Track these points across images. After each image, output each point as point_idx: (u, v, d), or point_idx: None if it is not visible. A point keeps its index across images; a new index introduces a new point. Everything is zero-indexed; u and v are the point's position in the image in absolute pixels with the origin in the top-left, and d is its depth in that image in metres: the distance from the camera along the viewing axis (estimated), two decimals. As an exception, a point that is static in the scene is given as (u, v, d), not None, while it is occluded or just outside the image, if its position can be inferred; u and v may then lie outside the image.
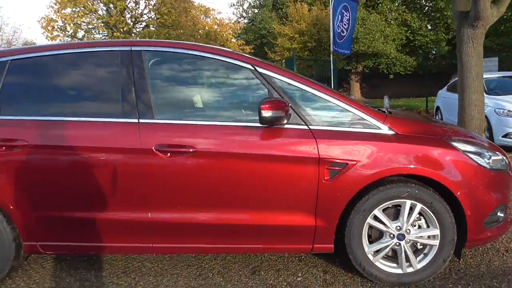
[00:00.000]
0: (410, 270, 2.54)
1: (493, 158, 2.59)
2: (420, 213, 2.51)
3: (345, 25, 13.16)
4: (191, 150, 2.45)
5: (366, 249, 2.54)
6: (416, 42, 27.08)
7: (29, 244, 2.67)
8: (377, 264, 2.55)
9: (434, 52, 27.74)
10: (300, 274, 2.76)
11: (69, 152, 2.53)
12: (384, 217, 2.50)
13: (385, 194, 2.46)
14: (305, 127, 2.48)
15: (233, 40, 26.40)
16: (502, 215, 2.67)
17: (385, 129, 2.52)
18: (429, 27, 27.62)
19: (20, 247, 2.69)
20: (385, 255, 2.57)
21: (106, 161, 2.53)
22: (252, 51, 27.49)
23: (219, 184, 2.50)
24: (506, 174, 2.66)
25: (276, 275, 2.76)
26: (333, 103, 2.56)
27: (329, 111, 2.57)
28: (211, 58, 2.64)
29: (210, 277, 2.77)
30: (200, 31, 21.60)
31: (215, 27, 25.39)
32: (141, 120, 2.52)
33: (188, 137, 2.49)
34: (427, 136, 2.58)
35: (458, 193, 2.44)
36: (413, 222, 2.51)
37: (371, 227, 2.53)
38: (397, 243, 2.52)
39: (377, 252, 2.56)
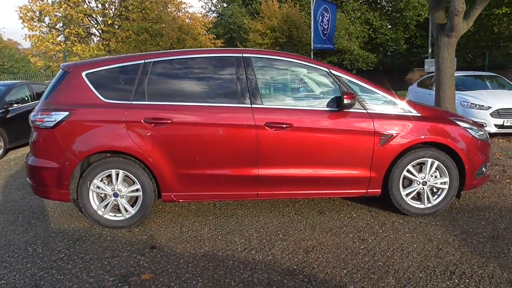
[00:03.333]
0: (429, 205, 3.87)
1: (479, 132, 3.97)
2: (436, 168, 3.83)
3: (325, 24, 14.53)
4: (289, 126, 3.62)
5: (401, 192, 3.83)
6: (377, 40, 29.03)
7: (166, 194, 3.74)
8: (408, 202, 3.86)
9: (393, 50, 29.83)
10: (353, 212, 4.03)
11: (201, 127, 3.63)
12: (414, 170, 3.81)
13: (415, 155, 3.76)
14: (364, 111, 3.73)
15: (205, 33, 27.08)
16: (484, 170, 4.07)
17: (414, 112, 3.81)
18: (389, 26, 29.68)
19: (158, 197, 3.76)
20: (413, 196, 3.88)
21: (228, 133, 3.64)
22: (223, 45, 28.40)
23: (309, 149, 3.68)
24: (487, 143, 4.06)
25: (337, 214, 4.01)
26: (381, 95, 3.82)
27: (378, 100, 3.83)
28: (299, 63, 3.82)
29: (287, 215, 3.96)
30: (175, 25, 22.21)
31: (187, 21, 26.02)
32: (253, 105, 3.66)
33: (287, 117, 3.65)
34: (440, 117, 3.91)
35: (461, 154, 3.78)
36: (432, 173, 3.83)
37: (405, 177, 3.82)
38: (422, 188, 3.84)
39: (407, 194, 3.86)
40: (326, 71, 3.80)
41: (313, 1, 14.52)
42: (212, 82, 3.79)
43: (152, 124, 3.59)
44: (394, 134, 3.71)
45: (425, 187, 3.84)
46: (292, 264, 2.97)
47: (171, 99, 3.68)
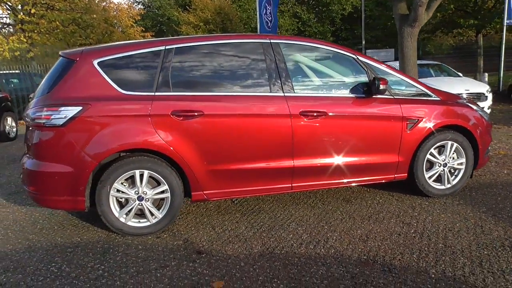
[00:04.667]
0: (448, 186, 4.02)
1: (486, 114, 4.21)
2: (454, 149, 3.98)
3: (268, 17, 14.54)
4: (323, 114, 3.51)
5: (425, 175, 3.93)
6: (306, 33, 29.96)
7: (197, 193, 3.43)
8: (431, 184, 3.97)
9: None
10: (378, 198, 4.05)
11: (234, 118, 3.37)
12: (436, 153, 3.92)
13: (438, 138, 3.87)
14: (391, 96, 3.74)
15: (133, 26, 25.77)
16: (489, 149, 4.33)
17: (434, 96, 3.92)
18: (316, 20, 30.70)
19: (188, 196, 3.44)
20: (434, 178, 4.00)
21: (262, 124, 3.43)
22: (154, 38, 27.26)
23: (342, 137, 3.61)
24: (491, 124, 4.32)
25: (363, 201, 4.00)
26: (403, 80, 3.87)
27: (401, 85, 3.87)
28: (327, 49, 3.72)
29: (316, 206, 3.87)
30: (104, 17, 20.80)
31: (114, 12, 24.53)
32: (286, 94, 3.48)
33: (320, 105, 3.54)
34: (454, 100, 4.07)
35: (476, 135, 3.97)
36: (450, 155, 3.98)
37: (428, 160, 3.92)
38: (442, 169, 3.97)
39: (430, 177, 3.97)
40: (353, 57, 3.75)
41: (257, -7, 14.50)
42: (240, 69, 3.53)
43: (182, 117, 3.25)
44: (420, 119, 3.77)
45: (445, 168, 3.98)
46: (360, 254, 2.88)
47: (199, 89, 3.37)
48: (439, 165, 3.96)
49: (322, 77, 3.83)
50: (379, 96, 3.68)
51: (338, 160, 3.64)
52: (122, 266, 2.85)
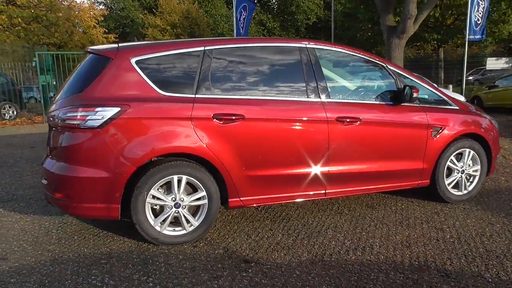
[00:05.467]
0: (465, 192, 4.16)
1: (496, 122, 4.42)
2: (471, 157, 4.14)
3: (241, 23, 14.57)
4: (358, 120, 3.52)
5: (445, 181, 4.04)
6: (272, 41, 30.18)
7: (234, 200, 3.31)
8: (450, 190, 4.09)
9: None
10: (400, 204, 4.12)
11: (274, 123, 3.31)
12: (455, 160, 4.05)
13: (457, 146, 4.01)
14: (418, 104, 3.83)
15: (95, 26, 24.89)
16: (498, 156, 4.55)
17: (454, 106, 4.06)
18: (281, 28, 31.14)
19: (224, 203, 3.31)
20: (453, 184, 4.13)
21: (300, 129, 3.38)
22: (116, 40, 26.44)
23: (374, 143, 3.64)
24: (499, 132, 4.54)
25: (387, 207, 4.05)
26: (428, 89, 3.98)
27: (427, 94, 3.97)
28: (359, 56, 3.74)
29: (344, 212, 3.87)
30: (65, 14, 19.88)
31: (76, 12, 23.56)
32: (322, 99, 3.47)
33: (355, 111, 3.55)
34: (469, 109, 4.24)
35: (490, 143, 4.15)
36: (468, 162, 4.13)
37: (447, 167, 4.04)
38: (460, 176, 4.11)
39: (449, 183, 4.09)
40: (383, 65, 3.80)
41: (234, -2, 14.47)
42: (278, 73, 3.48)
43: (222, 121, 3.14)
44: (443, 127, 3.89)
45: (463, 175, 4.12)
46: (410, 260, 2.90)
47: (239, 93, 3.27)
48: (457, 171, 4.10)
49: (354, 84, 3.86)
50: (406, 104, 3.76)
51: (369, 166, 3.67)
52: (172, 277, 2.68)
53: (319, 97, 3.46)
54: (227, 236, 3.37)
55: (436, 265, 2.81)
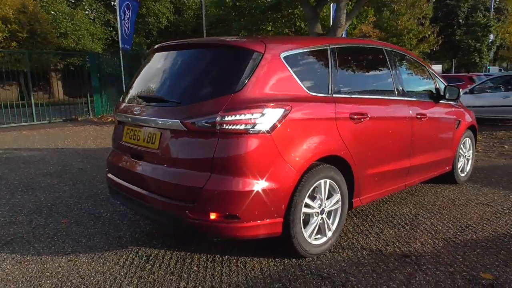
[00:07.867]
0: (465, 174, 5.00)
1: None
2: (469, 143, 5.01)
3: (126, 24, 13.57)
4: (425, 116, 3.92)
5: (459, 166, 4.80)
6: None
7: (356, 200, 3.27)
8: (459, 173, 4.86)
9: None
10: (428, 188, 4.68)
11: (387, 121, 3.49)
12: (463, 147, 4.84)
13: (465, 135, 4.80)
14: (447, 102, 4.45)
15: None
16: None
17: (460, 102, 4.84)
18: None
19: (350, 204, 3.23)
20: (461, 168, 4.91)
21: (399, 126, 3.61)
22: None
23: (433, 136, 4.13)
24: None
25: (425, 193, 4.54)
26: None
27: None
28: (414, 59, 4.15)
29: (372, 207, 4.20)
30: None
31: None
32: (406, 98, 3.74)
33: (423, 107, 3.94)
34: (463, 105, 5.11)
35: (477, 131, 5.11)
36: (468, 148, 4.98)
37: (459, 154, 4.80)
38: (465, 161, 4.93)
39: (459, 167, 4.85)
40: (425, 67, 4.29)
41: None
42: (379, 74, 3.65)
43: (356, 120, 3.10)
44: (461, 120, 4.62)
45: (464, 159, 4.95)
46: (472, 247, 3.08)
47: (361, 92, 3.31)
48: (463, 157, 4.90)
49: (414, 83, 4.23)
50: (442, 101, 4.33)
51: (430, 156, 4.11)
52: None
53: (403, 96, 3.72)
54: (350, 236, 3.30)
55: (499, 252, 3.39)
